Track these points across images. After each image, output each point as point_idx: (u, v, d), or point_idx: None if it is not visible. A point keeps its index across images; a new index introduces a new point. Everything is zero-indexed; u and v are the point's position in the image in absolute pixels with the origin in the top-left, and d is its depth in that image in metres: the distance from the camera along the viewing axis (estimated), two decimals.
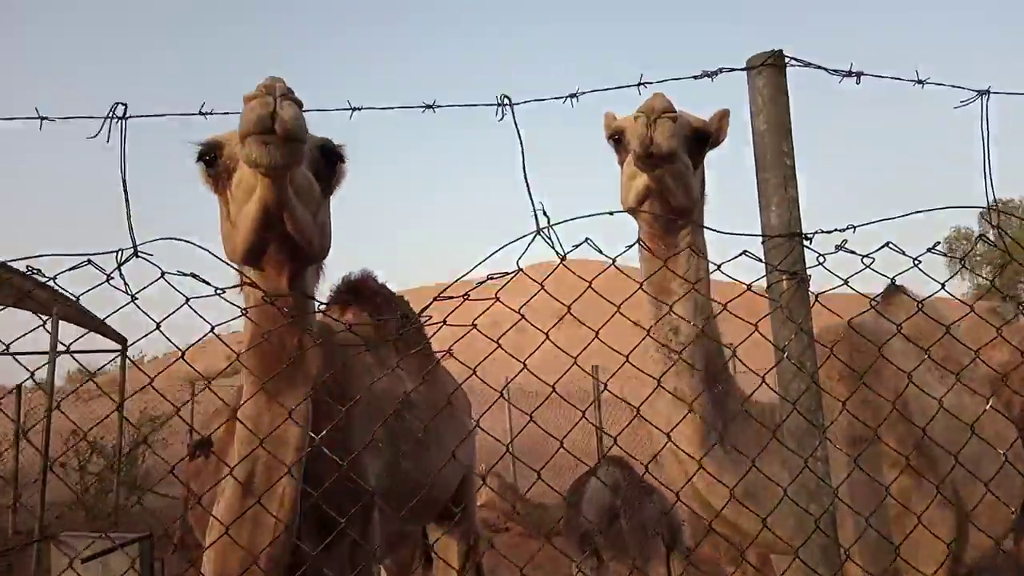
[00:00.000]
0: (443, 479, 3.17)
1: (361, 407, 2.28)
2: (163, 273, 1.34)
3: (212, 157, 1.65)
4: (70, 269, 1.32)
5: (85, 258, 1.33)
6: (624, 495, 4.88)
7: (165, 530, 7.51)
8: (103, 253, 1.31)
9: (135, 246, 1.34)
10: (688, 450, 2.17)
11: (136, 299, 1.33)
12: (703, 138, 2.29)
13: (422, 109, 1.63)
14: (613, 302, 1.64)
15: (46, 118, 1.48)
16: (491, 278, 1.50)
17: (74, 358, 5.35)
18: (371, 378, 2.55)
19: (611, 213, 1.79)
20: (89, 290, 1.30)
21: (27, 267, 1.28)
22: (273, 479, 1.79)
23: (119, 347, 9.86)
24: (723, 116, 2.34)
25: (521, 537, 7.85)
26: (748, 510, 2.16)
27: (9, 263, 1.34)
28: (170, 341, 1.49)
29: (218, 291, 1.43)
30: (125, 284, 1.32)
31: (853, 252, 1.82)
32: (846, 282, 1.88)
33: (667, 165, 2.05)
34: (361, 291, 2.97)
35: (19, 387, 9.61)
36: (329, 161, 1.77)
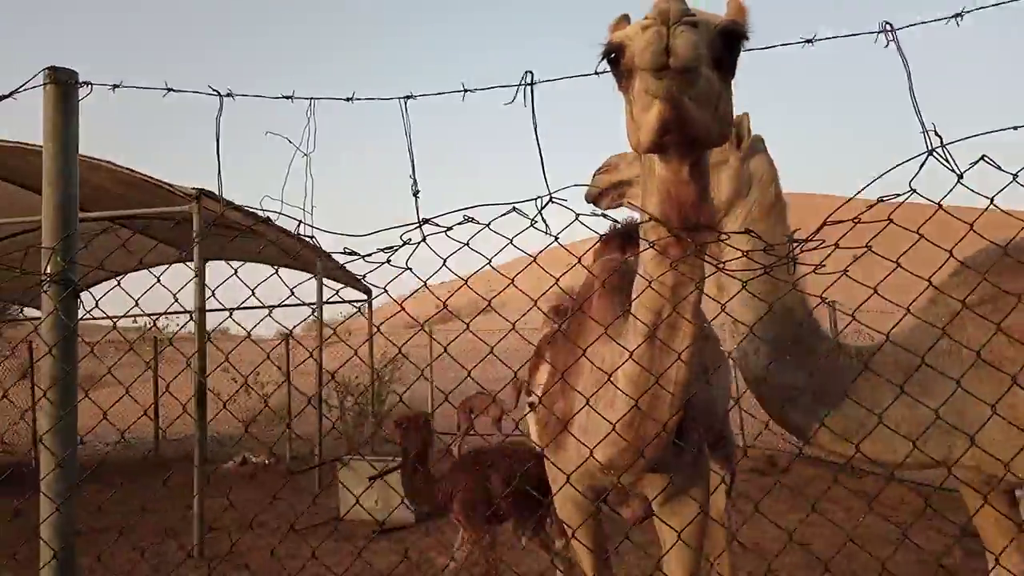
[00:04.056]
0: (717, 405, 3.38)
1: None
2: (577, 216, 1.67)
3: (614, 57, 1.68)
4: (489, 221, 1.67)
5: (511, 205, 1.66)
6: None
7: None
8: (526, 200, 1.64)
9: (550, 193, 1.66)
10: None
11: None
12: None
13: None
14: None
15: (468, 90, 1.85)
16: (882, 200, 1.58)
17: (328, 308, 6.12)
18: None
19: (1015, 128, 1.64)
20: (517, 235, 1.64)
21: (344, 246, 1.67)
22: (674, 336, 2.05)
23: (365, 297, 11.08)
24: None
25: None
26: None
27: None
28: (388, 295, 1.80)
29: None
30: (546, 226, 1.64)
31: (999, 168, 1.60)
32: (992, 201, 1.66)
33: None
34: (633, 232, 3.18)
35: (288, 335, 11.21)
36: (728, 42, 1.64)
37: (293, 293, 2.05)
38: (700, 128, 1.58)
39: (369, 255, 1.73)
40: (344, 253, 1.74)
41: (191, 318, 8.57)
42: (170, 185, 6.55)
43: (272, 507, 7.56)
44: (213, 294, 2.10)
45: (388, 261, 1.72)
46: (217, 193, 1.79)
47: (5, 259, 9.76)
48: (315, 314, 9.10)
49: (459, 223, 1.69)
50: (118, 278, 1.98)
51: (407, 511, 7.25)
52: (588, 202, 3.03)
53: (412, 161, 1.77)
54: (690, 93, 1.51)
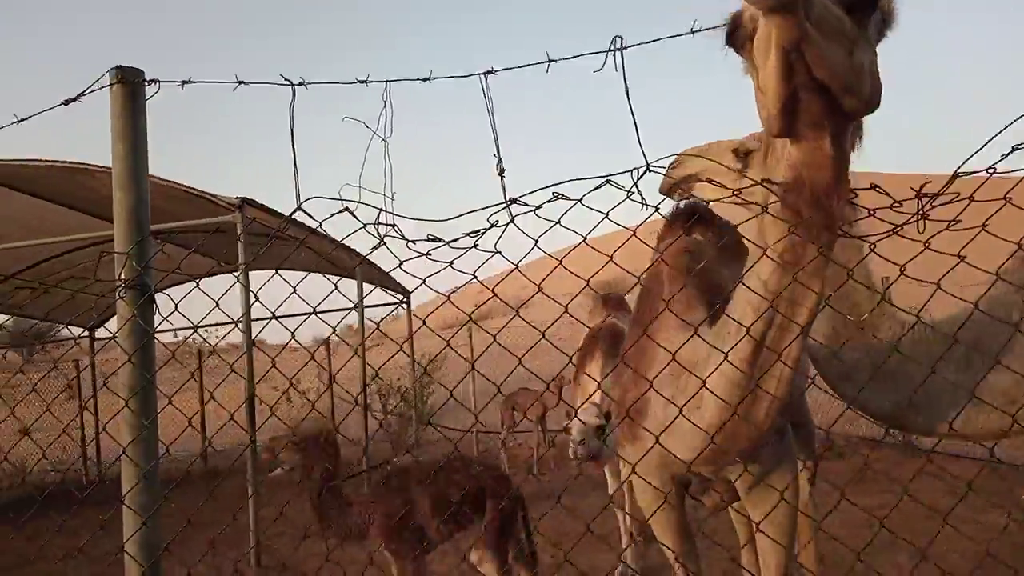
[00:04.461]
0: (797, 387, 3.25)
1: None
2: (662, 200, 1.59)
3: (731, 31, 1.58)
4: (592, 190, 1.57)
5: (604, 178, 1.57)
6: None
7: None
8: (621, 173, 1.55)
9: (647, 163, 1.56)
10: None
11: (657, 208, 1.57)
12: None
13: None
14: None
15: (552, 60, 1.76)
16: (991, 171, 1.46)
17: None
18: None
19: None
20: (613, 208, 1.54)
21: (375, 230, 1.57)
22: (783, 343, 1.95)
23: (403, 298, 11.07)
24: None
25: None
26: None
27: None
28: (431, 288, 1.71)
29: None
30: (642, 198, 1.55)
31: None
32: None
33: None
34: (700, 212, 3.07)
35: (327, 339, 11.26)
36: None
37: (336, 288, 2.00)
38: (832, 66, 1.40)
39: (454, 241, 1.65)
40: (428, 240, 1.65)
41: (236, 326, 8.64)
42: (212, 195, 6.57)
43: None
44: (257, 298, 2.03)
45: (476, 246, 1.63)
46: (294, 186, 1.72)
47: (52, 279, 9.90)
48: (354, 315, 9.04)
49: (548, 201, 1.60)
50: (172, 287, 1.92)
51: None
52: (662, 193, 2.95)
53: (496, 138, 1.68)
54: (811, 16, 1.35)
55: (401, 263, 1.67)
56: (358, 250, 8.39)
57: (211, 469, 12.24)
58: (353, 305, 8.96)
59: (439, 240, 1.66)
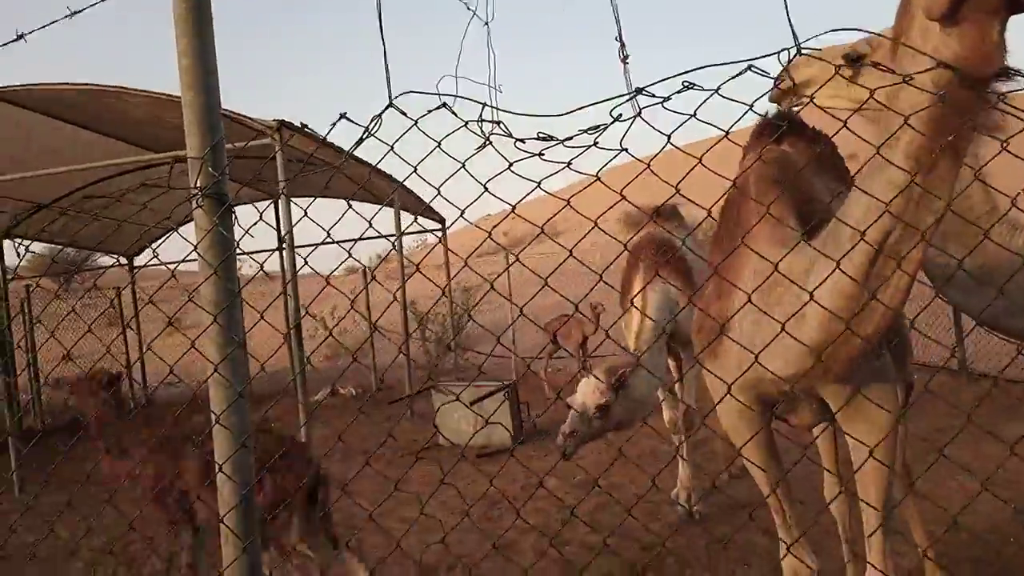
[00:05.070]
0: None
1: None
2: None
3: None
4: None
5: (746, 63, 1.36)
6: None
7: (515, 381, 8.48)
8: (763, 56, 1.34)
9: (797, 44, 1.36)
10: None
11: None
12: None
13: None
14: None
15: None
16: None
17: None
18: None
19: None
20: (758, 99, 1.34)
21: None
22: (904, 249, 1.83)
23: (440, 226, 10.93)
24: None
25: None
26: None
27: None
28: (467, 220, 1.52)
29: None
30: (793, 83, 1.35)
31: None
32: None
33: None
34: (793, 121, 2.85)
35: (365, 268, 11.20)
36: None
37: (371, 225, 1.84)
38: None
39: (570, 139, 1.47)
40: (539, 139, 1.48)
41: (280, 252, 8.63)
42: (248, 117, 6.38)
43: (371, 436, 7.66)
44: (291, 229, 1.88)
45: (596, 143, 1.45)
46: (389, 92, 1.53)
47: (89, 206, 9.89)
48: (393, 246, 8.96)
49: (679, 91, 1.41)
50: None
51: (506, 434, 7.24)
52: (772, 102, 2.72)
53: (618, 19, 1.48)
54: None
55: (511, 165, 1.50)
56: (395, 176, 8.20)
57: (257, 393, 12.48)
58: (391, 235, 8.82)
59: (552, 138, 1.48)
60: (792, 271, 2.08)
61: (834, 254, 1.91)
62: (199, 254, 1.62)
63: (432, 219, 10.97)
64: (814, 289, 1.92)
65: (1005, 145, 1.91)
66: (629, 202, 1.78)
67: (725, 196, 2.70)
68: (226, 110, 6.54)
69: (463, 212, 1.69)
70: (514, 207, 1.68)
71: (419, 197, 9.67)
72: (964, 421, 2.31)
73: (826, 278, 1.92)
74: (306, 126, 4.98)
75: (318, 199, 8.73)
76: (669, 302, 4.81)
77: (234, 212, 1.69)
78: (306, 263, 2.78)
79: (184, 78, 1.68)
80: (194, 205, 1.64)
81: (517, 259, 1.96)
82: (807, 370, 2.19)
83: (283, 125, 6.10)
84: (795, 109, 2.81)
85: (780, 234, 2.32)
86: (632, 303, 4.89)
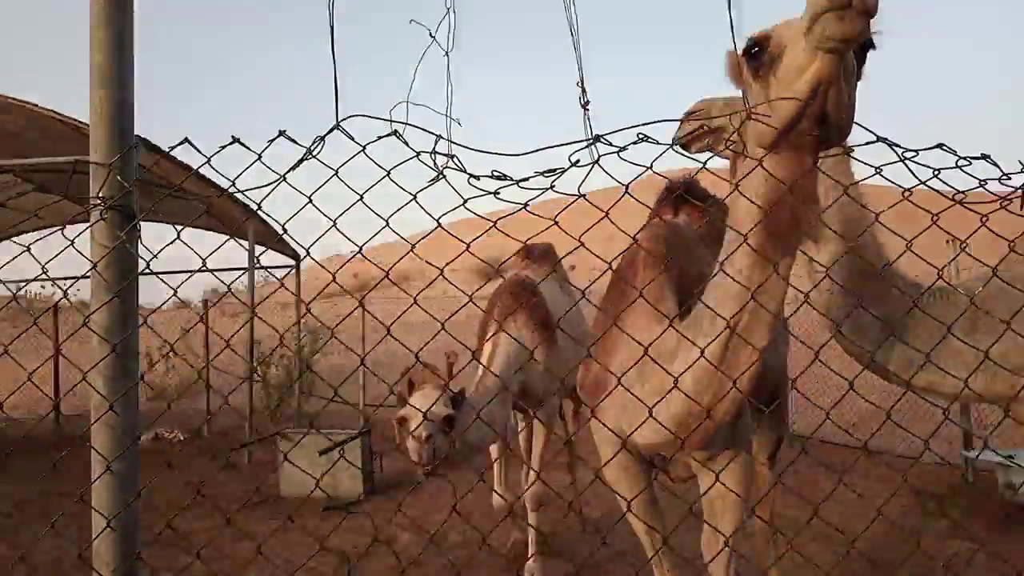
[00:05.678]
0: (770, 375, 3.24)
1: None
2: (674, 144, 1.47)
3: (757, 50, 1.68)
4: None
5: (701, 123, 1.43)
6: None
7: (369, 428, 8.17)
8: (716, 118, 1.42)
9: (749, 109, 1.44)
10: None
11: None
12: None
13: None
14: None
15: None
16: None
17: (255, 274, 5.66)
18: None
19: None
20: (710, 158, 1.41)
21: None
22: (754, 331, 1.94)
23: (294, 262, 10.47)
24: None
25: None
26: None
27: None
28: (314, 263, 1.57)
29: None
30: (742, 142, 1.43)
31: None
32: None
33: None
34: (693, 192, 3.01)
35: (206, 302, 10.43)
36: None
37: (232, 237, 1.73)
38: (841, 103, 1.58)
39: (526, 179, 1.46)
40: (493, 177, 1.45)
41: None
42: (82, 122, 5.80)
43: (203, 486, 7.00)
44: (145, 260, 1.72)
45: (552, 187, 1.45)
46: (334, 100, 1.43)
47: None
48: (225, 278, 8.42)
49: (634, 143, 1.44)
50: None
51: (355, 486, 6.90)
52: (677, 146, 2.82)
53: (580, 64, 1.50)
54: (844, 60, 1.54)
55: (465, 201, 1.45)
56: (249, 204, 7.77)
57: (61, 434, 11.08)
58: (241, 267, 8.31)
59: (506, 177, 1.46)
60: (661, 352, 2.19)
61: (696, 336, 2.07)
62: (98, 272, 1.41)
63: (285, 254, 10.48)
64: (679, 375, 2.05)
65: (935, 219, 2.10)
66: (473, 254, 1.75)
67: (622, 255, 2.79)
68: (70, 118, 5.94)
69: (308, 250, 1.62)
70: (361, 248, 1.60)
71: (275, 231, 9.21)
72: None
73: (691, 364, 2.07)
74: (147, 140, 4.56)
75: (169, 224, 8.05)
76: (519, 354, 4.31)
77: (139, 229, 1.50)
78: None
79: (97, 73, 1.50)
80: (96, 217, 1.44)
81: (360, 304, 1.91)
82: (667, 441, 2.32)
83: (140, 141, 5.59)
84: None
85: (657, 311, 2.43)
86: (473, 355, 4.45)
